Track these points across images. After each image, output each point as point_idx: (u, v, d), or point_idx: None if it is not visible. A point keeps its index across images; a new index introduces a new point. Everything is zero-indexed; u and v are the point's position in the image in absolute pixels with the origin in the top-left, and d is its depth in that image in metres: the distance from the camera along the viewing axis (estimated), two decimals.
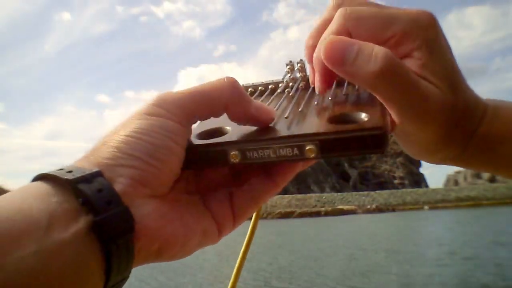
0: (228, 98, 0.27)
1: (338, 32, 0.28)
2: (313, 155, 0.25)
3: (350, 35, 0.28)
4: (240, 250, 0.36)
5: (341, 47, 0.26)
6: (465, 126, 0.28)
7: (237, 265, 0.36)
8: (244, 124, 0.28)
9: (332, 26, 0.29)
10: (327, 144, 0.24)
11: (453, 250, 8.32)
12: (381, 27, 0.27)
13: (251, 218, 0.35)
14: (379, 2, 0.28)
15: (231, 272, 0.36)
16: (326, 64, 0.27)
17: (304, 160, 0.27)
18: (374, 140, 0.24)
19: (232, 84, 0.27)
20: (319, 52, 0.27)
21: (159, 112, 0.26)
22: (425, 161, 0.32)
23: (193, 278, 6.76)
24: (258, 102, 0.28)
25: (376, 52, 0.25)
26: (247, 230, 0.36)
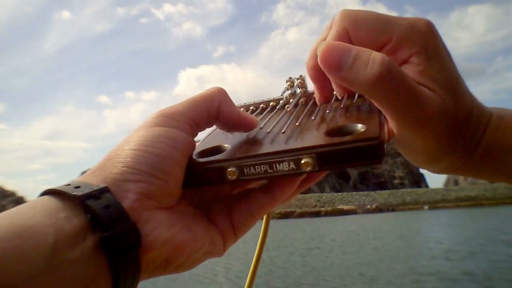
0: (220, 99, 0.29)
1: (338, 35, 0.28)
2: (309, 168, 0.25)
3: (349, 38, 0.28)
4: (252, 252, 0.36)
5: (338, 52, 0.26)
6: (469, 134, 0.27)
7: (252, 266, 0.36)
8: (236, 127, 0.30)
9: (332, 30, 0.29)
10: (323, 157, 0.24)
11: (452, 249, 8.32)
12: (379, 29, 0.27)
13: (262, 218, 0.34)
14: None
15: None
16: (322, 69, 0.26)
17: (301, 174, 0.27)
18: (370, 151, 0.23)
19: (220, 88, 0.30)
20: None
21: (162, 121, 0.27)
22: (429, 171, 0.31)
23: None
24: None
25: (374, 58, 0.25)
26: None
